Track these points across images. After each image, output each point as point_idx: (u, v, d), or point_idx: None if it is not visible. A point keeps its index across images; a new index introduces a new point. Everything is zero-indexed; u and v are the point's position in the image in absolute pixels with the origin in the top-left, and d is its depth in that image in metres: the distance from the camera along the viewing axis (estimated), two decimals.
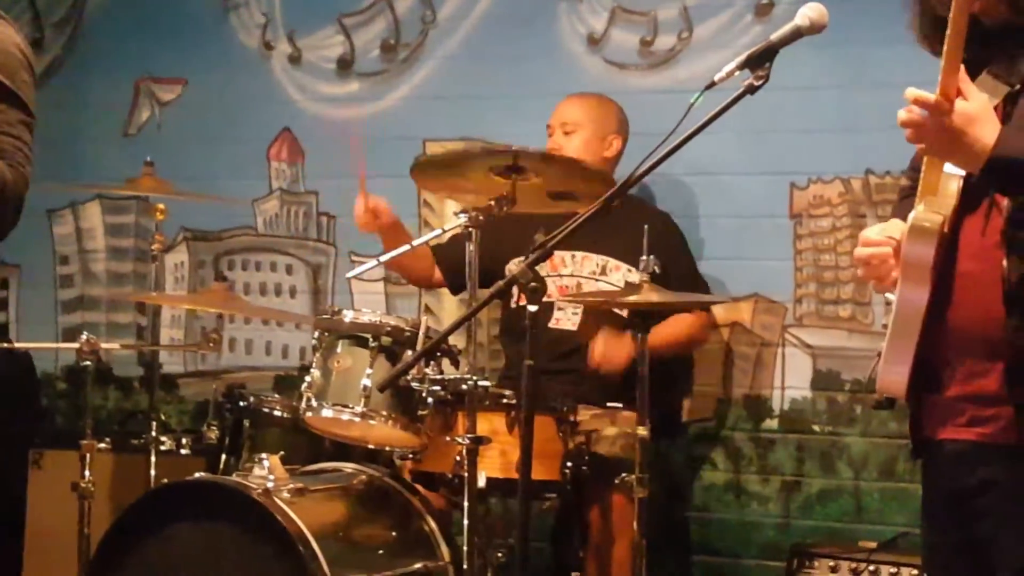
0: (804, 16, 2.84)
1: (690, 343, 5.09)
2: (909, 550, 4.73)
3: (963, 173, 2.63)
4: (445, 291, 5.50)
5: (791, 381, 5.29)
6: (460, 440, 4.06)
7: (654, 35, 5.50)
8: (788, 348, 5.30)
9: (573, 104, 5.16)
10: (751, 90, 2.83)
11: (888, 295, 2.76)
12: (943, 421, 2.74)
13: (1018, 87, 2.66)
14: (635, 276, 4.42)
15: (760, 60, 2.83)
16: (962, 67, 2.54)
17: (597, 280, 4.97)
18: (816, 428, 5.26)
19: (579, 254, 5.01)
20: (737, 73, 2.84)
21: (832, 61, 5.06)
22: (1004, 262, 2.61)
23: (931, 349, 2.68)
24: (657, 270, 4.28)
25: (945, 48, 2.51)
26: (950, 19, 2.50)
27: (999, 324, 2.61)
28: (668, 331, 4.84)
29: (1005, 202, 2.62)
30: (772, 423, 5.32)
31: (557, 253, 4.90)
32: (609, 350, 4.77)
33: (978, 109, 2.52)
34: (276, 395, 4.93)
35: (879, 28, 4.92)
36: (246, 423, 4.62)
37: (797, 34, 2.85)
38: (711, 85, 2.85)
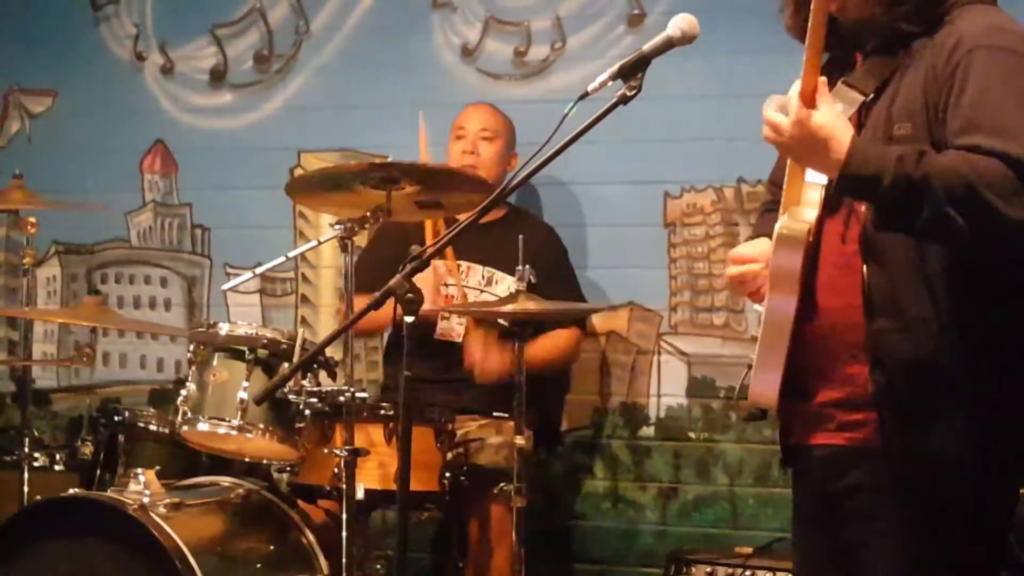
0: (675, 27, 2.86)
1: (563, 360, 5.09)
2: (784, 555, 4.77)
3: (824, 182, 2.68)
4: (322, 302, 5.48)
5: (667, 389, 5.33)
6: (338, 452, 4.05)
7: (528, 45, 5.52)
8: (663, 356, 5.34)
9: (490, 112, 5.17)
10: (624, 100, 2.85)
11: (757, 306, 2.80)
12: (813, 427, 2.79)
13: (871, 96, 2.72)
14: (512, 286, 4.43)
15: (633, 70, 2.84)
16: (822, 79, 2.59)
17: (482, 291, 4.98)
18: (692, 435, 5.31)
19: (464, 264, 5.01)
20: (610, 83, 2.86)
21: (704, 71, 5.11)
22: (864, 269, 2.66)
23: (799, 357, 2.72)
24: (533, 279, 4.30)
25: (806, 46, 2.57)
26: (810, 18, 2.56)
27: (861, 330, 2.66)
28: (541, 348, 4.85)
29: (863, 208, 2.67)
30: (649, 431, 5.36)
31: (443, 262, 4.92)
32: (485, 357, 4.78)
33: (831, 121, 2.57)
34: (151, 409, 4.87)
35: (751, 38, 4.98)
36: (121, 438, 4.56)
37: (669, 44, 2.87)
38: (584, 95, 2.86)
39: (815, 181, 2.70)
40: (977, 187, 2.44)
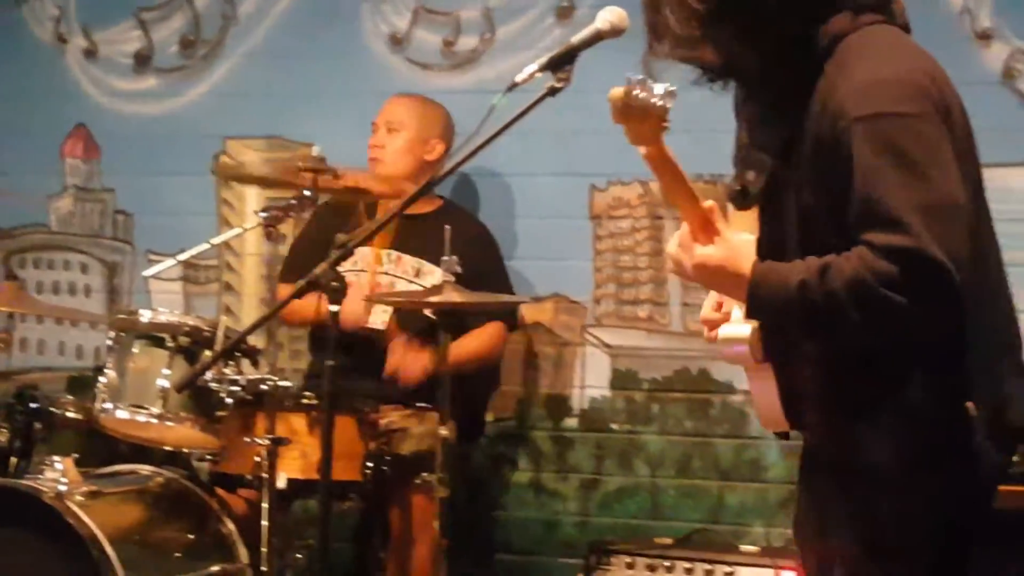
0: (604, 20, 2.87)
1: (488, 358, 5.05)
2: (704, 546, 4.81)
3: None
4: (245, 290, 5.45)
5: (590, 380, 5.34)
6: (260, 441, 4.03)
7: (457, 36, 5.51)
8: (588, 348, 5.35)
9: (400, 104, 5.14)
10: (552, 92, 2.86)
11: None
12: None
13: (778, 158, 2.63)
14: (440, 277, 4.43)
15: (561, 62, 2.85)
16: (708, 205, 2.56)
17: (411, 282, 4.96)
18: (615, 427, 5.32)
19: (394, 253, 4.99)
20: (539, 75, 2.86)
21: (633, 63, 5.10)
22: None
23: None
24: (459, 270, 4.29)
25: (664, 191, 2.55)
26: (654, 171, 2.55)
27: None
28: (465, 348, 4.82)
29: None
30: (572, 422, 5.37)
31: (372, 251, 4.90)
32: (406, 361, 4.75)
33: (726, 256, 2.54)
34: (69, 396, 4.82)
35: None
36: (37, 425, 4.50)
37: (597, 37, 2.87)
38: (512, 87, 2.86)
39: None
40: (874, 289, 2.39)
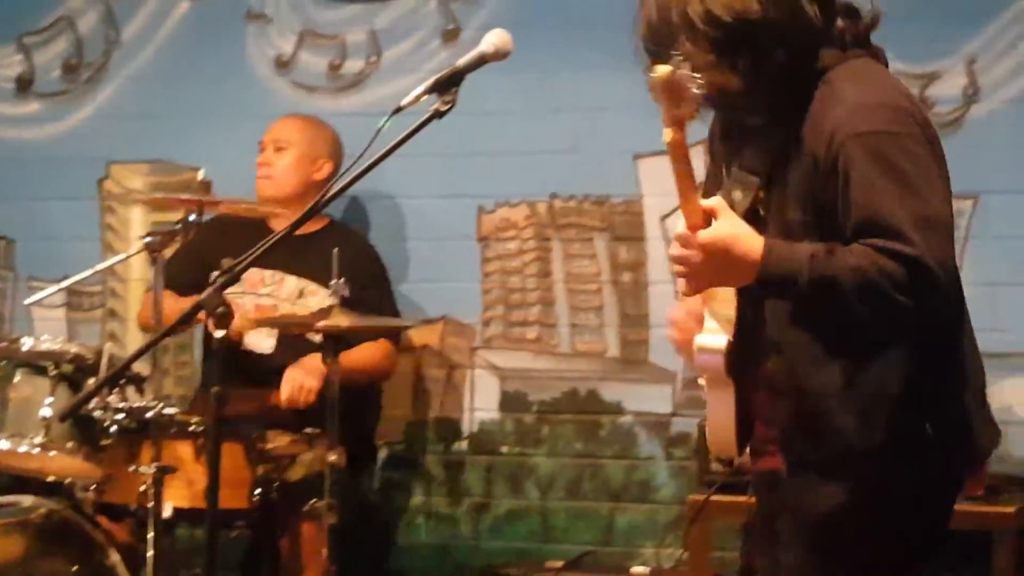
0: (489, 43, 2.87)
1: (375, 372, 5.03)
2: (594, 568, 4.83)
3: None
4: (130, 316, 5.39)
5: (480, 403, 5.34)
6: (145, 470, 3.98)
7: (343, 58, 5.50)
8: (477, 370, 5.35)
9: (287, 123, 5.14)
10: (438, 115, 2.85)
11: (702, 380, 2.83)
12: (758, 454, 2.86)
13: (767, 179, 2.73)
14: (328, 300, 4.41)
15: (447, 85, 2.84)
16: (714, 201, 2.61)
17: (295, 304, 4.93)
18: (504, 449, 5.32)
19: (278, 274, 4.96)
20: (425, 98, 2.86)
21: (518, 86, 5.13)
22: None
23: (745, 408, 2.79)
24: (347, 294, 4.27)
25: (675, 179, 2.57)
26: (669, 154, 2.56)
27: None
28: (355, 360, 4.81)
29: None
30: (462, 445, 5.36)
31: (256, 271, 4.86)
32: (295, 392, 4.70)
33: (735, 230, 2.59)
34: None
35: (563, 54, 5.02)
36: None
37: (482, 60, 2.87)
38: (398, 110, 2.85)
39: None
40: (881, 285, 2.52)
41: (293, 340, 4.84)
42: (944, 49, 4.89)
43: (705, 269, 2.61)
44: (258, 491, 4.30)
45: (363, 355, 4.89)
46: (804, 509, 2.73)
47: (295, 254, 4.78)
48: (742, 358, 2.73)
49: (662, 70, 2.52)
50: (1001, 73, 4.85)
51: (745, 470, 2.93)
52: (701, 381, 2.81)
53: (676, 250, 2.64)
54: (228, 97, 5.51)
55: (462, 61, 2.87)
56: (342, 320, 4.23)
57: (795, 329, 2.70)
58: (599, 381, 5.20)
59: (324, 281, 4.81)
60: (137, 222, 5.54)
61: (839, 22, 2.75)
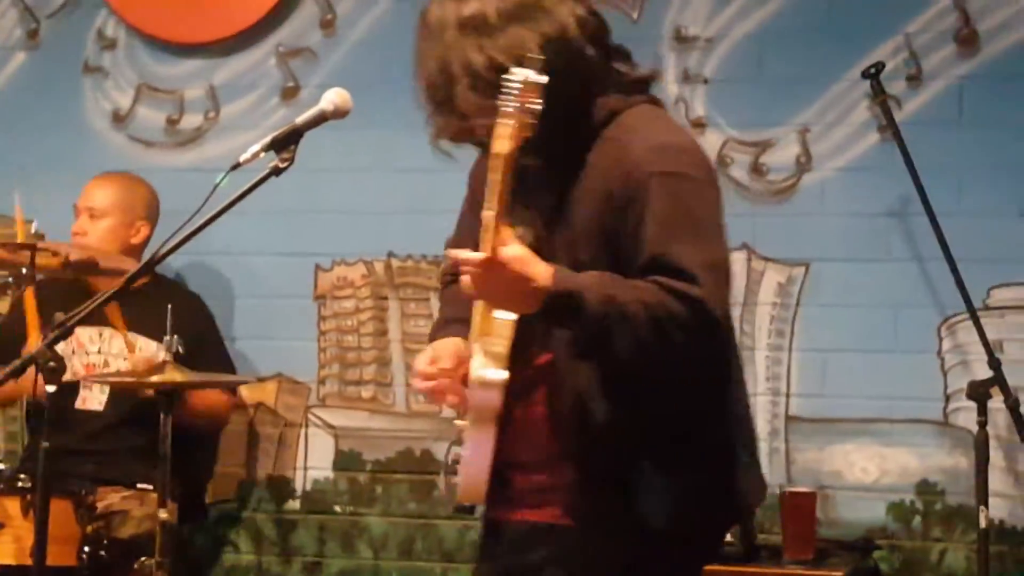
0: (329, 101, 2.89)
1: (215, 416, 5.03)
2: None
3: (515, 317, 2.70)
4: None
5: (313, 461, 5.32)
6: None
7: (181, 113, 5.48)
8: (311, 428, 5.33)
9: (101, 188, 5.08)
10: (276, 172, 2.86)
11: (459, 421, 2.82)
12: (510, 504, 2.84)
13: (550, 216, 2.74)
14: (161, 355, 4.38)
15: (285, 142, 2.86)
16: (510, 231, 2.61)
17: (126, 360, 4.88)
18: (337, 508, 5.30)
19: (107, 331, 4.91)
20: (263, 155, 2.86)
21: (357, 145, 5.15)
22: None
23: (503, 454, 2.76)
24: (180, 350, 4.25)
25: (495, 200, 2.56)
26: (490, 176, 2.56)
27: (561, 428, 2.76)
28: (197, 397, 4.81)
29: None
30: (295, 504, 5.33)
31: (83, 330, 4.80)
32: None
33: (525, 253, 2.59)
34: None
35: (404, 114, 4.99)
36: None
37: (322, 118, 2.89)
38: (236, 166, 2.85)
39: (506, 317, 2.71)
40: (665, 322, 2.55)
41: (126, 397, 4.79)
42: (778, 118, 5.00)
43: (490, 280, 2.58)
44: (87, 548, 4.24)
45: (207, 396, 4.88)
46: (593, 563, 2.74)
47: (123, 311, 4.74)
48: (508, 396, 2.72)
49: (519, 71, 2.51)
50: (833, 142, 4.98)
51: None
52: (460, 422, 2.79)
53: (463, 252, 2.61)
54: (62, 150, 5.46)
55: (301, 118, 2.89)
56: (176, 376, 4.20)
57: (576, 365, 2.71)
58: (434, 441, 5.21)
59: (151, 335, 4.77)
60: None
61: (617, 65, 2.81)
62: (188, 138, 5.47)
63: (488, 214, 2.56)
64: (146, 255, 4.81)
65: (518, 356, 2.70)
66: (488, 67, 2.67)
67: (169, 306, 4.27)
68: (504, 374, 2.68)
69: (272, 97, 5.40)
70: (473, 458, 2.74)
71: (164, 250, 3.00)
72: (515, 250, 2.57)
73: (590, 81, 2.74)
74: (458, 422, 2.80)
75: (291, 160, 2.86)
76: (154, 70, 5.50)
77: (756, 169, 5.00)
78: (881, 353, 4.87)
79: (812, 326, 4.94)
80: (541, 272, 2.58)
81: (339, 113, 2.89)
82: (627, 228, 2.65)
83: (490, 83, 2.63)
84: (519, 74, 2.51)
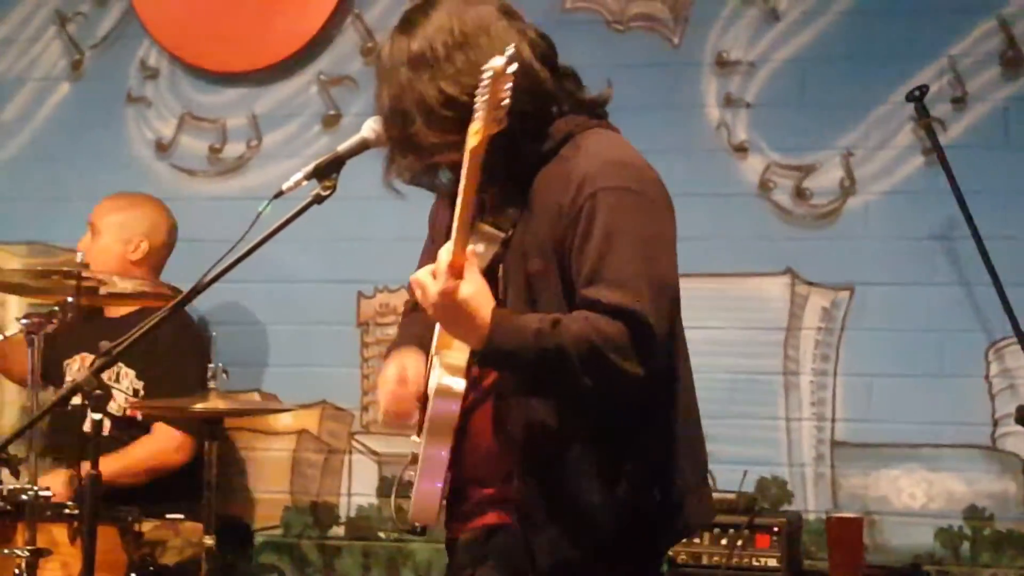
0: (370, 128, 2.90)
1: (154, 468, 4.83)
2: None
3: None
4: (6, 398, 5.32)
5: (357, 488, 5.33)
6: (19, 552, 3.93)
7: (223, 142, 5.51)
8: (355, 455, 5.34)
9: (103, 205, 5.11)
10: (319, 200, 2.87)
11: (415, 438, 2.84)
12: (464, 521, 2.91)
13: (510, 233, 2.77)
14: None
15: (327, 170, 2.87)
16: (472, 250, 2.65)
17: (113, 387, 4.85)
18: (382, 534, 5.30)
19: (90, 357, 4.91)
20: (305, 183, 2.88)
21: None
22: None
23: (457, 474, 2.82)
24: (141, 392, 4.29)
25: (458, 217, 2.58)
26: (461, 189, 2.58)
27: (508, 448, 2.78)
28: (121, 462, 4.71)
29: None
30: (339, 530, 5.34)
31: (79, 357, 4.84)
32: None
33: (475, 295, 2.61)
34: None
35: None
36: None
37: (364, 146, 2.90)
38: (279, 194, 2.87)
39: None
40: (604, 352, 2.58)
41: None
42: (821, 142, 5.00)
43: (437, 312, 2.64)
44: (133, 575, 4.25)
45: (131, 456, 4.80)
46: (520, 561, 2.77)
47: (107, 337, 4.71)
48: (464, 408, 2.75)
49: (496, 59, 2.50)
50: (877, 166, 4.97)
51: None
52: (416, 438, 2.83)
53: (422, 277, 2.67)
54: (107, 179, 5.48)
55: (343, 147, 2.90)
56: (219, 403, 4.22)
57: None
58: None
59: (133, 363, 4.77)
60: (14, 303, 5.47)
61: (568, 86, 2.83)
62: (231, 167, 5.50)
63: (447, 247, 2.61)
64: (165, 275, 4.86)
65: (472, 370, 2.75)
66: (441, 102, 2.70)
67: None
68: (463, 384, 2.71)
69: (314, 125, 5.43)
70: (428, 474, 2.78)
71: (208, 278, 3.02)
72: (468, 288, 2.60)
73: (546, 101, 2.77)
74: (415, 438, 2.85)
75: (333, 188, 2.87)
76: (197, 99, 5.54)
77: (799, 193, 4.98)
78: (927, 377, 4.85)
79: (857, 350, 4.92)
80: (485, 318, 2.61)
81: (380, 141, 2.90)
82: (574, 241, 2.68)
83: (445, 118, 2.69)
84: (489, 65, 2.50)
